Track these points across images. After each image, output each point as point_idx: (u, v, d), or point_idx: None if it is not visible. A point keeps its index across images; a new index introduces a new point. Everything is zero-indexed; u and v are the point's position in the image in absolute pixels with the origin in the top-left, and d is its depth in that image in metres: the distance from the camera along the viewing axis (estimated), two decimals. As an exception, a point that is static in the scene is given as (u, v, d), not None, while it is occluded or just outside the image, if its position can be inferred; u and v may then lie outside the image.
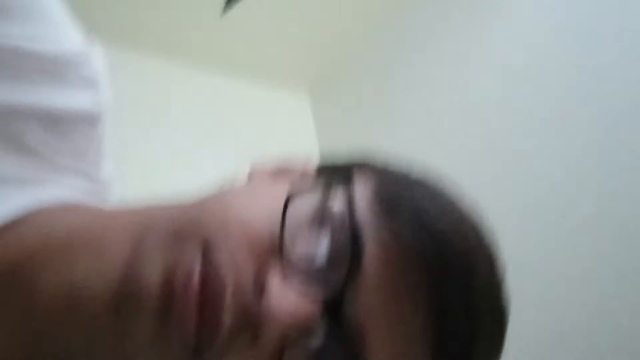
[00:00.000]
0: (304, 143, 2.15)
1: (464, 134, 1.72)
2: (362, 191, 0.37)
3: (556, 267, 1.42)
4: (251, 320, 0.31)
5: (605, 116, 1.43)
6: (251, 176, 0.42)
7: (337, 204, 0.35)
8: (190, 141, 1.88)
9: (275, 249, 0.33)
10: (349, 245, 0.33)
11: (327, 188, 0.36)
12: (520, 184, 1.55)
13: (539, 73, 1.60)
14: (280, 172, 0.42)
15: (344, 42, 2.08)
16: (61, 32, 0.43)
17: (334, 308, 0.32)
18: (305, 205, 0.35)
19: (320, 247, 0.34)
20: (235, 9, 1.73)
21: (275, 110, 2.16)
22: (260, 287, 0.32)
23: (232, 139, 1.97)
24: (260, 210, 0.35)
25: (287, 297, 0.31)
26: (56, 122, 0.41)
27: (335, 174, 0.37)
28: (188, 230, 0.33)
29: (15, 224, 0.38)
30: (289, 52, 2.09)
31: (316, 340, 0.33)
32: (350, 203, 0.34)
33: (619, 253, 1.33)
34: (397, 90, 1.95)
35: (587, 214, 1.40)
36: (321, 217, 0.35)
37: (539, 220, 1.48)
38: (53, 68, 0.41)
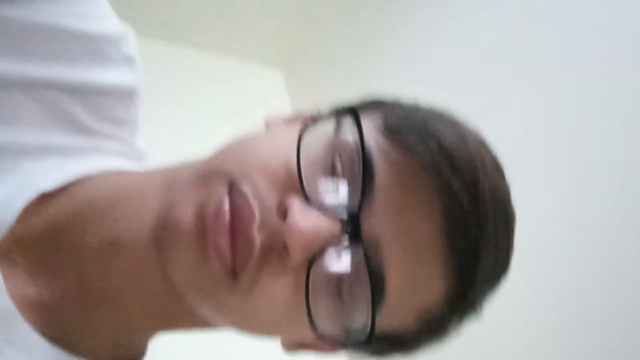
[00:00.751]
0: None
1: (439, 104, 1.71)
2: (371, 119, 0.38)
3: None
4: (279, 237, 0.33)
5: (600, 94, 1.39)
6: (267, 124, 0.45)
7: (347, 132, 0.37)
8: (166, 114, 1.88)
9: (294, 180, 0.35)
10: (360, 167, 0.35)
11: (337, 120, 0.38)
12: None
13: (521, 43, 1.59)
14: (293, 119, 0.44)
15: (317, 17, 2.09)
16: (103, 12, 0.46)
17: (353, 225, 0.34)
18: (317, 137, 0.37)
19: (334, 171, 0.36)
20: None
21: (249, 84, 2.16)
22: (283, 211, 0.34)
23: (207, 112, 1.99)
24: (278, 147, 0.37)
25: (309, 216, 0.34)
26: (99, 95, 0.45)
27: (345, 110, 0.38)
28: (213, 172, 0.36)
29: (67, 188, 0.42)
30: (262, 27, 2.11)
31: (338, 254, 0.35)
32: (359, 129, 0.35)
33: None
34: (370, 64, 1.96)
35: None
36: (333, 145, 0.37)
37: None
38: (97, 46, 0.44)
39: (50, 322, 0.39)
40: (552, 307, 1.37)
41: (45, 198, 0.41)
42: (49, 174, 0.41)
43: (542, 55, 1.52)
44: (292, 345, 0.42)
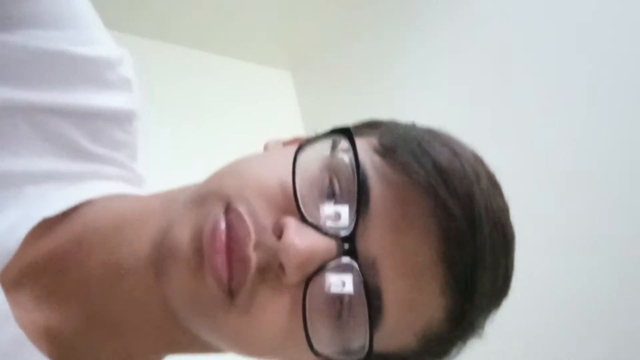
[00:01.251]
0: (288, 118, 2.18)
1: (445, 109, 1.72)
2: (367, 139, 0.39)
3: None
4: (275, 256, 0.34)
5: (602, 100, 1.41)
6: (265, 147, 0.45)
7: (342, 152, 0.37)
8: (176, 117, 1.90)
9: (290, 200, 0.35)
10: (355, 186, 0.35)
11: (333, 141, 0.38)
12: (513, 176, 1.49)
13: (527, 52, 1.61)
14: (292, 142, 0.44)
15: (325, 20, 2.10)
16: (99, 36, 0.46)
17: (349, 244, 0.35)
18: (313, 157, 0.37)
19: (330, 191, 0.36)
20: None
21: (258, 86, 2.18)
22: (279, 231, 0.35)
23: (217, 112, 2.00)
24: (273, 168, 0.37)
25: (305, 235, 0.34)
26: (97, 120, 0.45)
27: (340, 131, 0.38)
28: (210, 193, 0.37)
29: (69, 213, 0.42)
30: (271, 30, 2.12)
31: (335, 274, 0.35)
32: (354, 149, 0.36)
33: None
34: (378, 66, 1.97)
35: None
36: (328, 165, 0.37)
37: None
38: (94, 70, 0.45)
39: (59, 348, 0.39)
40: (554, 316, 1.37)
41: (47, 224, 0.41)
42: (51, 200, 0.42)
43: (549, 78, 1.53)
44: None
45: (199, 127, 1.92)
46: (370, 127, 0.42)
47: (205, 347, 0.42)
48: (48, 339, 0.39)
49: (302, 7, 2.06)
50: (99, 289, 0.40)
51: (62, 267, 0.40)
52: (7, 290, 0.38)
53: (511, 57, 1.63)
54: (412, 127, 0.41)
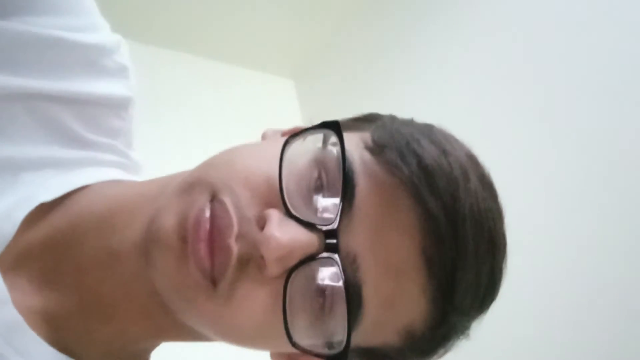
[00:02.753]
0: (290, 125, 2.19)
1: (446, 118, 1.72)
2: (360, 134, 0.39)
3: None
4: (256, 248, 0.34)
5: (604, 107, 1.39)
6: (263, 136, 0.45)
7: (331, 146, 0.37)
8: (178, 122, 1.91)
9: (275, 192, 0.35)
10: (341, 181, 0.35)
11: (323, 134, 0.38)
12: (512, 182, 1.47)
13: (523, 62, 1.60)
14: (290, 132, 0.44)
15: (328, 28, 2.12)
16: (96, 22, 0.46)
17: (331, 239, 0.34)
18: (302, 150, 0.37)
19: (317, 185, 0.36)
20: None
21: (261, 93, 2.19)
22: (263, 222, 0.34)
23: (221, 119, 2.01)
24: (262, 159, 0.37)
25: (287, 228, 0.34)
26: (93, 107, 0.45)
27: (330, 124, 0.37)
28: (197, 181, 0.37)
29: (65, 199, 0.42)
30: (274, 38, 2.13)
31: (316, 267, 0.35)
32: (341, 144, 0.35)
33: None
34: (378, 74, 1.98)
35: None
36: (317, 159, 0.37)
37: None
38: (90, 57, 0.45)
39: (55, 331, 0.40)
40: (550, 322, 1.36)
41: (44, 209, 0.41)
42: (48, 186, 0.42)
43: (549, 80, 1.53)
44: (280, 357, 0.42)
45: (202, 131, 1.94)
46: (367, 120, 0.42)
47: (195, 336, 0.42)
48: (44, 322, 0.39)
49: (306, 17, 2.08)
50: (93, 274, 0.40)
51: (58, 252, 0.41)
52: (4, 274, 0.38)
53: (506, 70, 1.63)
54: (407, 124, 0.41)
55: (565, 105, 1.47)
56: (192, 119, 1.94)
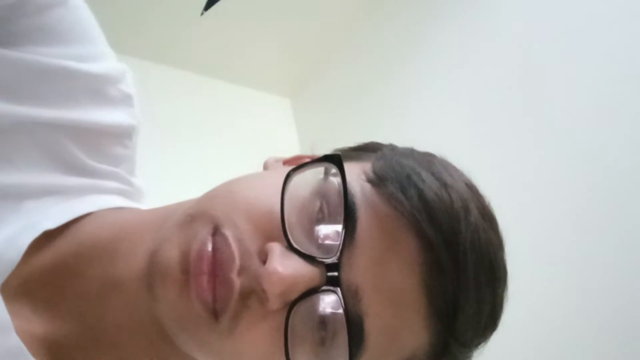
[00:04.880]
0: (286, 143, 2.21)
1: (441, 134, 1.71)
2: (361, 165, 0.39)
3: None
4: (258, 282, 0.34)
5: (603, 115, 1.42)
6: (265, 166, 0.45)
7: (333, 178, 0.37)
8: (176, 141, 1.91)
9: (277, 225, 0.35)
10: (343, 213, 0.35)
11: (325, 166, 0.38)
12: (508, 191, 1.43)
13: (512, 75, 1.63)
14: (291, 160, 0.44)
15: (324, 49, 2.15)
16: (102, 51, 0.46)
17: (333, 272, 0.34)
18: (304, 182, 0.37)
19: (318, 218, 0.36)
20: (223, 17, 1.81)
21: (258, 111, 2.21)
22: (264, 255, 0.34)
23: (217, 137, 2.02)
24: (264, 191, 0.37)
25: (288, 262, 0.34)
26: (98, 136, 0.46)
27: (332, 157, 0.37)
28: (200, 214, 0.37)
29: (68, 227, 0.43)
30: (272, 57, 2.16)
31: (318, 301, 0.35)
32: (343, 177, 0.36)
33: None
34: (374, 94, 2.00)
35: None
36: (319, 192, 0.37)
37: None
38: (96, 86, 0.45)
39: (56, 359, 0.39)
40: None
41: (47, 237, 0.42)
42: (52, 213, 0.42)
43: (543, 104, 1.55)
44: None
45: (199, 149, 1.94)
46: (367, 150, 0.42)
47: None
48: (46, 350, 0.39)
49: (303, 36, 2.10)
50: (95, 302, 0.40)
51: (61, 279, 0.41)
52: (7, 301, 0.38)
53: (504, 89, 1.65)
54: (408, 154, 0.41)
55: (561, 129, 1.49)
56: (188, 136, 1.95)
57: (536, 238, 1.41)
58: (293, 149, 2.18)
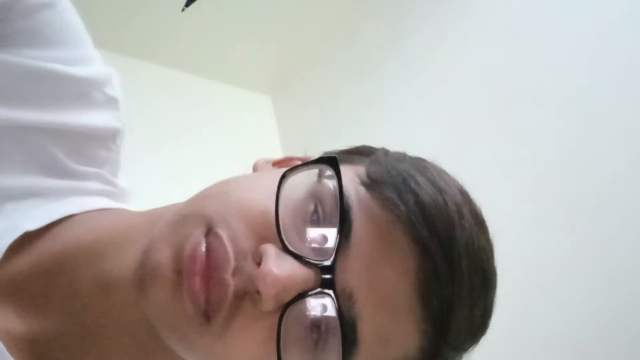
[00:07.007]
0: (267, 140, 2.21)
1: (424, 133, 1.72)
2: (355, 168, 0.38)
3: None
4: (252, 283, 0.34)
5: (593, 113, 1.42)
6: (254, 168, 0.45)
7: (328, 180, 0.37)
8: (157, 136, 1.90)
9: (272, 227, 0.35)
10: (338, 216, 0.35)
11: (320, 168, 0.38)
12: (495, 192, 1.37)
13: (494, 74, 1.64)
14: (282, 162, 0.44)
15: (306, 46, 2.15)
16: (88, 55, 0.46)
17: (328, 275, 0.34)
18: (299, 184, 0.37)
19: (313, 220, 0.36)
20: (204, 14, 1.81)
21: (239, 109, 2.20)
22: (259, 257, 0.34)
23: (197, 134, 2.00)
24: (258, 192, 0.37)
25: (283, 263, 0.34)
26: (82, 139, 0.46)
27: (327, 159, 0.37)
28: (193, 214, 0.36)
29: (50, 228, 0.42)
30: (252, 54, 2.15)
31: (311, 303, 0.35)
32: (339, 180, 0.35)
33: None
34: (356, 92, 2.01)
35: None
36: (313, 193, 0.37)
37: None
38: (81, 89, 0.45)
39: (37, 358, 0.39)
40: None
41: (30, 238, 0.41)
42: (33, 215, 0.42)
43: (533, 105, 1.55)
44: None
45: (180, 146, 1.93)
46: (360, 153, 0.42)
47: None
48: (29, 351, 0.39)
49: (284, 34, 2.10)
50: (80, 302, 0.40)
51: (46, 280, 0.41)
52: None
53: (488, 87, 1.66)
54: (402, 159, 0.41)
55: (547, 130, 1.49)
56: (168, 133, 1.93)
57: (523, 240, 1.42)
58: (274, 146, 2.18)
